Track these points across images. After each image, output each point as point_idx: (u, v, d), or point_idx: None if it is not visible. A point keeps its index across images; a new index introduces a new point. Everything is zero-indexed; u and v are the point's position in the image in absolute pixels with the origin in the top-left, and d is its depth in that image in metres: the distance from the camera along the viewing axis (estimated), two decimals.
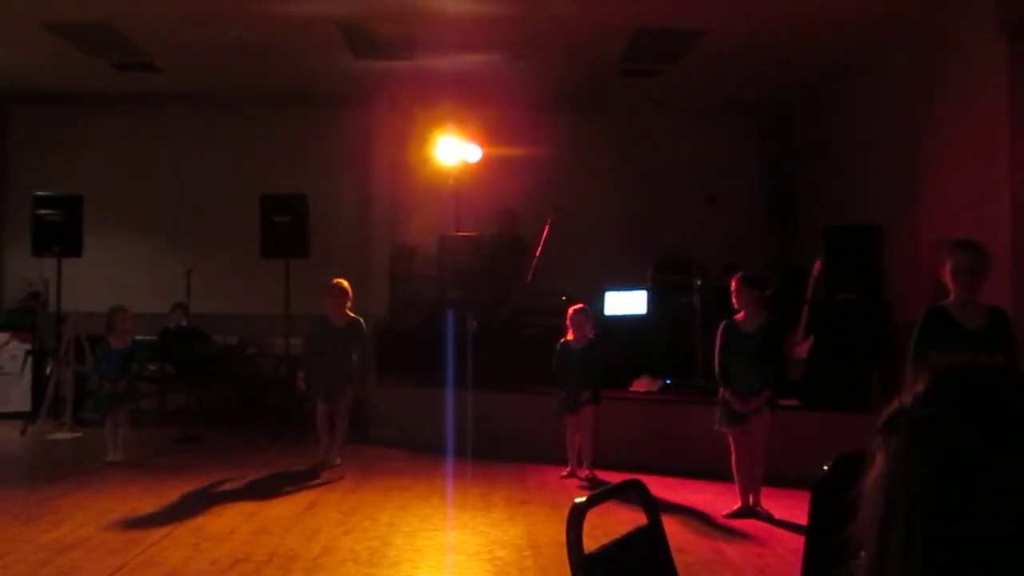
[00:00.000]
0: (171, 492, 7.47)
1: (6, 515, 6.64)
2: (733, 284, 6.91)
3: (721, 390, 6.82)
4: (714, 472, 7.49)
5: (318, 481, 7.91)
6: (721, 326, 6.95)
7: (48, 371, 11.23)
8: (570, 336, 8.30)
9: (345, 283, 8.83)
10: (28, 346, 11.76)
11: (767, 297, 7.08)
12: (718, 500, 7.12)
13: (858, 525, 1.08)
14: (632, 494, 2.19)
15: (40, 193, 11.04)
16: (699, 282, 9.91)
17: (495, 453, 8.93)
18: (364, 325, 8.86)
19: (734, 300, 6.86)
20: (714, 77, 11.37)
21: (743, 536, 6.29)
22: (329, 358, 8.69)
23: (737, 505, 6.80)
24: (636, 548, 2.10)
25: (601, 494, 2.04)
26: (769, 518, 6.65)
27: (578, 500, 1.94)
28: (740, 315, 6.87)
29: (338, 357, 8.68)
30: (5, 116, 13.17)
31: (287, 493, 7.52)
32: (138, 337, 9.85)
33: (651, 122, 12.22)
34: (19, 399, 11.50)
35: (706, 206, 10.39)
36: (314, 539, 6.08)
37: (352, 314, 8.77)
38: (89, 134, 12.96)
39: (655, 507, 2.21)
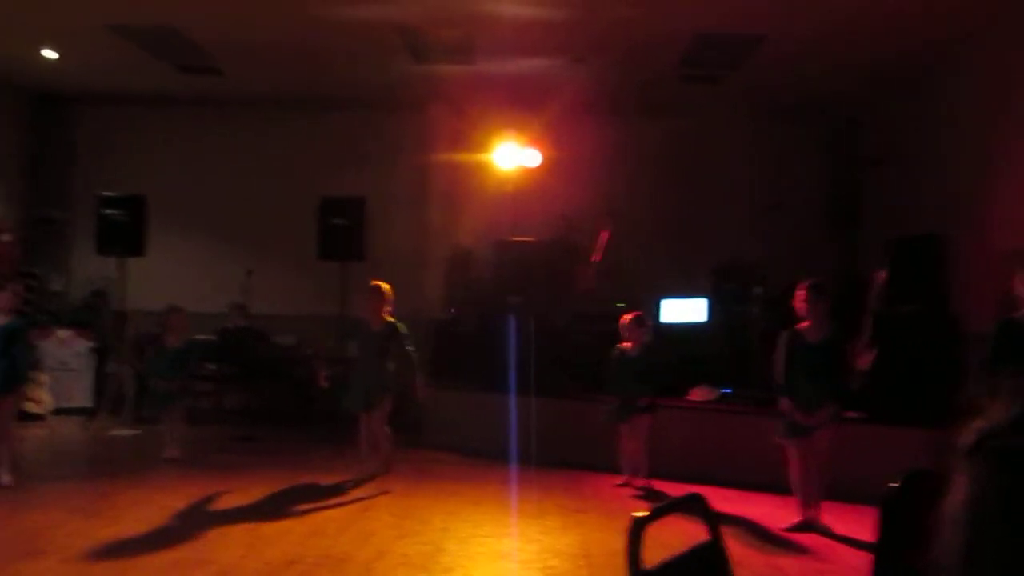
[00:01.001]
0: (226, 491, 7.54)
1: (68, 510, 6.75)
2: (800, 292, 6.71)
3: (783, 402, 6.68)
4: (771, 484, 7.37)
5: (371, 484, 7.89)
6: (784, 336, 6.77)
7: (109, 368, 11.42)
8: (626, 343, 8.23)
9: (384, 285, 8.22)
10: (91, 343, 11.98)
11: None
12: (776, 513, 6.99)
13: (939, 551, 1.02)
14: (693, 508, 2.12)
15: (105, 193, 11.24)
16: (758, 290, 9.76)
17: (550, 460, 8.88)
18: (403, 329, 8.16)
19: (800, 308, 6.69)
20: (775, 83, 11.21)
21: (802, 551, 6.17)
22: (365, 364, 8.16)
23: (796, 519, 6.66)
24: (697, 565, 2.04)
25: (661, 508, 1.98)
26: (829, 533, 6.51)
27: (637, 514, 1.89)
28: (804, 324, 6.70)
29: (374, 364, 8.08)
30: (72, 117, 13.43)
31: (340, 495, 7.54)
32: (198, 336, 9.97)
33: (710, 128, 12.07)
34: (82, 395, 11.73)
35: (766, 214, 10.24)
36: (367, 542, 6.08)
37: (391, 318, 8.18)
38: (153, 135, 13.19)
39: (717, 523, 2.14)
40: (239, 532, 6.26)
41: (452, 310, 11.06)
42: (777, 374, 6.75)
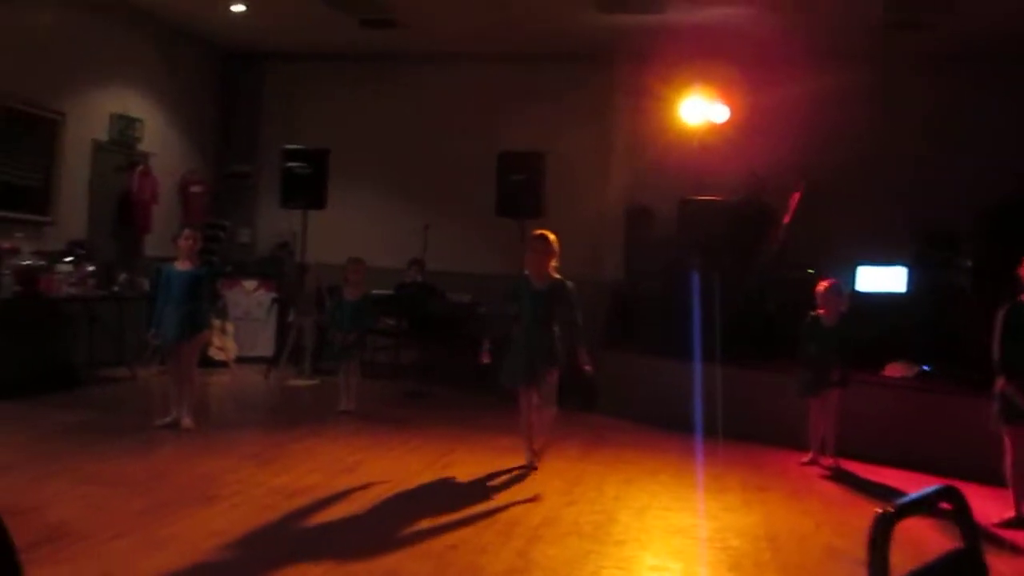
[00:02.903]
0: (396, 447, 7.45)
1: (243, 456, 6.81)
2: None
3: (1000, 383, 5.95)
4: (973, 473, 6.57)
5: (543, 448, 7.58)
6: (1004, 309, 5.98)
7: (290, 319, 11.63)
8: (821, 312, 7.65)
9: (550, 235, 6.93)
10: (274, 294, 12.24)
11: None
12: (985, 506, 6.23)
13: None
14: (948, 504, 1.69)
15: (289, 146, 11.36)
16: (969, 262, 8.88)
17: (731, 432, 8.39)
18: (572, 289, 6.91)
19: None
20: (991, 27, 10.09)
21: (1018, 551, 5.50)
22: (527, 331, 6.90)
23: (1011, 514, 5.96)
24: None
25: (911, 505, 1.56)
26: None
27: (882, 510, 1.48)
28: None
29: (537, 330, 6.87)
30: (260, 73, 13.73)
31: (511, 457, 7.27)
32: (376, 291, 9.95)
33: (916, 79, 11.07)
34: (264, 344, 12.03)
35: (968, 176, 9.31)
36: (536, 507, 5.82)
37: (557, 275, 6.93)
38: (335, 90, 13.34)
39: (974, 526, 1.71)
40: (404, 490, 6.12)
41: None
42: (995, 350, 6.02)
